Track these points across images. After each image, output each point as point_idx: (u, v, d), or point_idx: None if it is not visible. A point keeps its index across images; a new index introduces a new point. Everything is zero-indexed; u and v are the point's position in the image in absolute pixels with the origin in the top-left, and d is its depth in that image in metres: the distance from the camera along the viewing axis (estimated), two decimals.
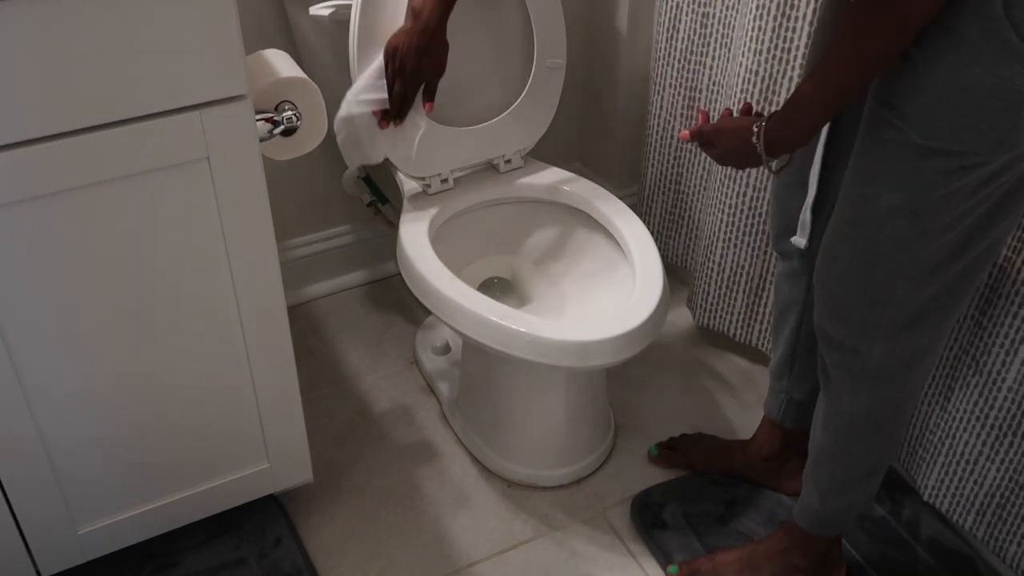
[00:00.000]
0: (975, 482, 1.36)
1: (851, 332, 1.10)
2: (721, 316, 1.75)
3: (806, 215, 1.19)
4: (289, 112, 1.16)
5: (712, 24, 1.59)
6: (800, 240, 1.20)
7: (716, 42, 1.60)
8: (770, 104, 1.47)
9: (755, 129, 1.08)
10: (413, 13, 1.32)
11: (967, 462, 1.36)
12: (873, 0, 0.91)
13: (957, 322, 1.32)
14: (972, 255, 1.02)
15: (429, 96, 1.38)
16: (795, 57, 1.41)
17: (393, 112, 1.38)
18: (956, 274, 1.04)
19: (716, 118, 1.51)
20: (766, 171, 1.52)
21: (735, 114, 1.19)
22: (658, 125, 1.79)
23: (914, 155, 0.96)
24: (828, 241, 1.09)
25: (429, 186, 1.53)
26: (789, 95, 1.06)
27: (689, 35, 1.64)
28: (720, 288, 1.71)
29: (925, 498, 1.45)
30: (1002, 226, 1.01)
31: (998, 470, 1.31)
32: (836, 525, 1.27)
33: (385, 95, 1.36)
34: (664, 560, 1.40)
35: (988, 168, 0.94)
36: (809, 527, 1.28)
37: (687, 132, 1.19)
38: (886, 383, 1.13)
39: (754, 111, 1.17)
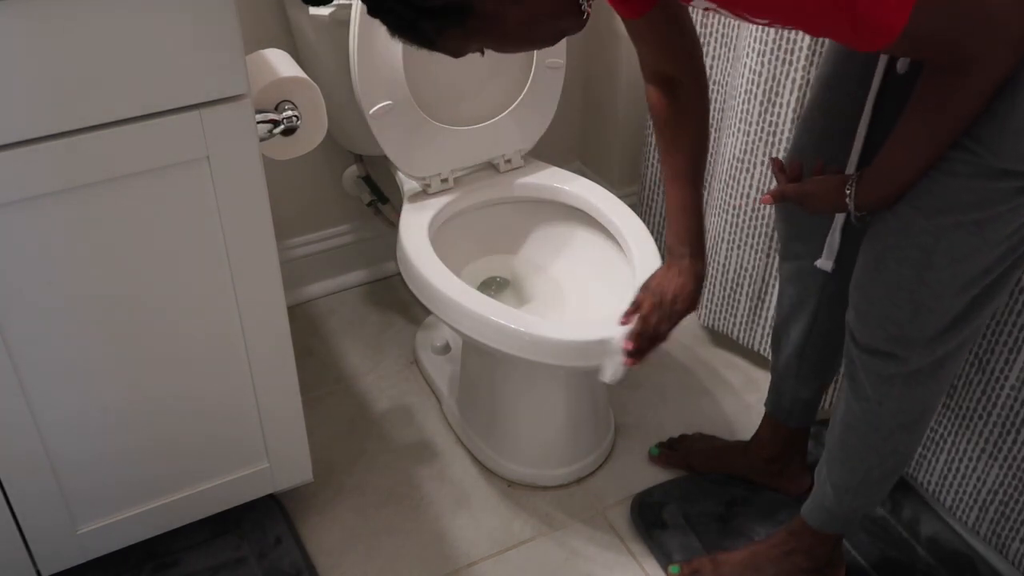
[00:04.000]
0: (978, 479, 1.36)
1: (889, 338, 1.09)
2: (725, 318, 1.75)
3: (835, 236, 1.17)
4: (289, 112, 1.16)
5: (713, 24, 1.59)
6: (827, 263, 1.18)
7: (717, 42, 1.60)
8: (773, 104, 1.47)
9: (847, 192, 1.07)
10: (683, 255, 1.21)
11: (970, 459, 1.36)
12: (951, 71, 0.90)
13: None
14: (1016, 255, 1.02)
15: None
16: (798, 59, 1.40)
17: (646, 350, 1.21)
18: (1000, 274, 1.03)
19: (720, 125, 1.50)
20: (770, 174, 1.52)
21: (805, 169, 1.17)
22: None
23: (986, 175, 0.95)
24: (873, 251, 1.07)
25: (429, 186, 1.54)
26: (879, 159, 1.04)
27: None
28: (724, 290, 1.71)
29: (928, 495, 1.45)
30: None
31: (1000, 468, 1.32)
32: (847, 523, 1.27)
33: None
34: (664, 560, 1.40)
35: None
36: (820, 525, 1.28)
37: (769, 196, 1.16)
38: (918, 384, 1.12)
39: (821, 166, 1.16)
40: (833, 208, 1.11)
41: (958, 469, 1.39)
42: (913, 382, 1.12)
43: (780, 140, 1.49)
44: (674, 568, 1.38)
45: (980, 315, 1.07)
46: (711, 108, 1.66)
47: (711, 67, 1.63)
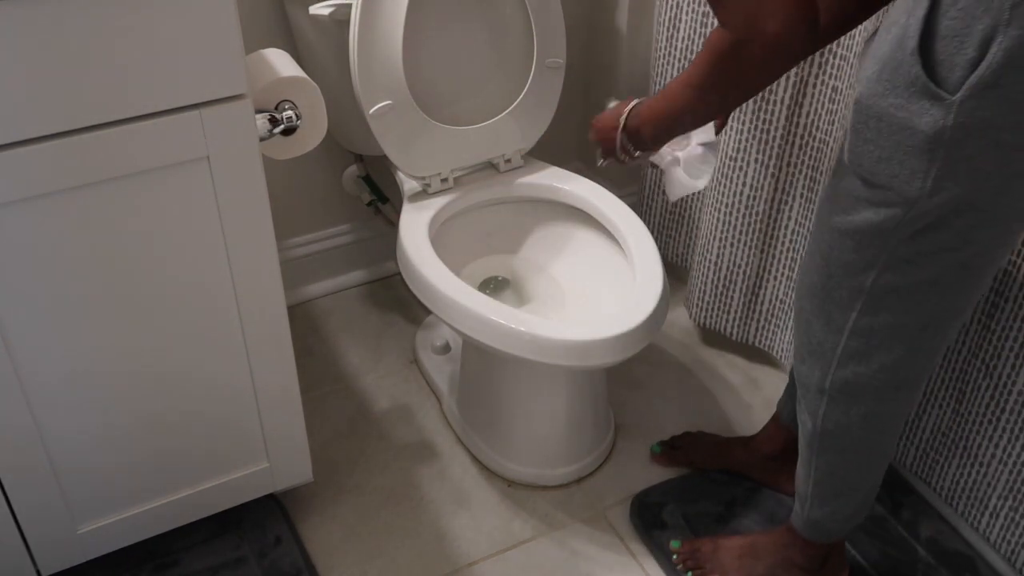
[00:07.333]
0: (988, 484, 1.36)
1: (811, 348, 1.09)
2: (718, 315, 1.75)
3: None
4: (289, 111, 1.16)
5: (712, 24, 1.59)
6: None
7: None
8: (767, 102, 1.47)
9: (625, 111, 1.12)
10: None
11: (980, 464, 1.36)
12: (718, 59, 0.93)
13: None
14: (934, 311, 0.99)
15: None
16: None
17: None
18: (917, 328, 1.01)
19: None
20: (765, 172, 1.52)
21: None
22: None
23: (850, 176, 0.95)
24: (804, 253, 1.09)
25: (429, 185, 1.54)
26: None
27: (689, 35, 1.64)
28: (717, 287, 1.71)
29: (940, 500, 1.45)
30: (963, 291, 0.98)
31: (1010, 473, 1.32)
32: (823, 533, 1.27)
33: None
34: (664, 560, 1.41)
35: (911, 212, 0.90)
36: (799, 528, 1.29)
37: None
38: (835, 407, 1.11)
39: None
40: (610, 127, 1.16)
41: (969, 474, 1.39)
42: (832, 403, 1.10)
43: (774, 138, 1.49)
44: (675, 543, 1.40)
45: (903, 359, 1.04)
46: None
47: None
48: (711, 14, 1.59)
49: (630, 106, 1.14)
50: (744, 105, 1.50)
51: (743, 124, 1.51)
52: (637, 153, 1.16)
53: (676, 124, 1.08)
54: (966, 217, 0.90)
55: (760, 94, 1.47)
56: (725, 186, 1.59)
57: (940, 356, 1.07)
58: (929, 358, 1.06)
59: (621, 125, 1.13)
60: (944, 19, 0.80)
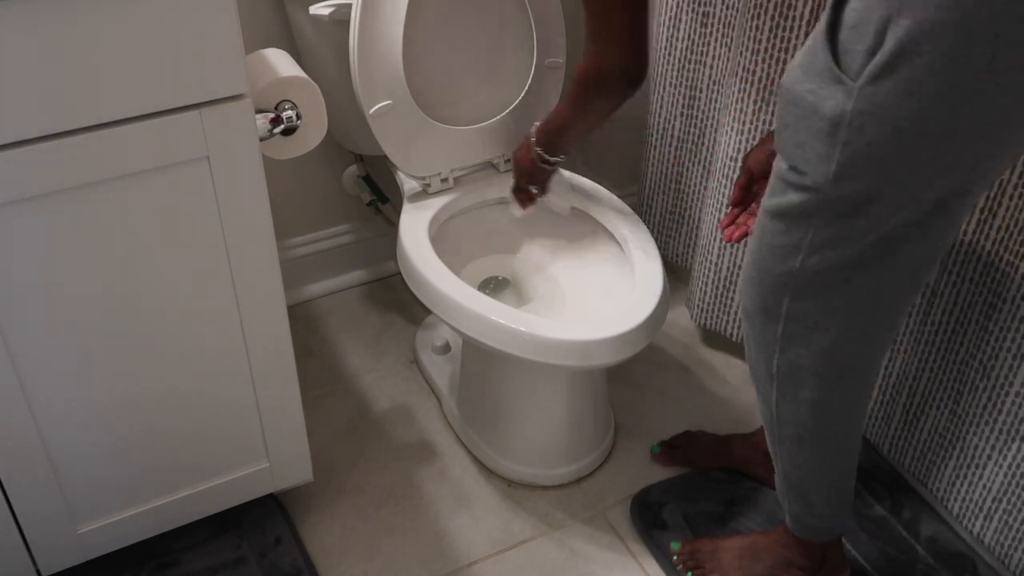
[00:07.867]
0: (983, 487, 1.36)
1: (755, 336, 1.10)
2: (718, 316, 1.75)
3: None
4: (289, 111, 1.16)
5: (712, 24, 1.60)
6: None
7: (716, 42, 1.60)
8: (768, 104, 1.47)
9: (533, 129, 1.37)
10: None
11: (976, 466, 1.36)
12: (578, 85, 1.22)
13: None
14: (860, 293, 1.00)
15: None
16: (792, 57, 1.40)
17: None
18: (850, 310, 1.01)
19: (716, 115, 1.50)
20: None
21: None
22: (658, 125, 1.79)
23: (780, 161, 0.97)
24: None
25: (429, 185, 1.54)
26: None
27: (689, 35, 1.64)
28: (717, 288, 1.71)
29: (936, 501, 1.45)
30: (888, 274, 0.99)
31: (1005, 475, 1.31)
32: (809, 530, 1.27)
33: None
34: (664, 560, 1.41)
35: (825, 197, 0.92)
36: (791, 527, 1.29)
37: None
38: (784, 392, 1.11)
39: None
40: (524, 147, 1.40)
41: (965, 476, 1.38)
42: (780, 387, 1.11)
43: None
44: (675, 544, 1.40)
45: (831, 347, 1.05)
46: (709, 105, 1.67)
47: (711, 67, 1.63)
48: (710, 15, 1.59)
49: (534, 127, 1.38)
50: (744, 106, 1.50)
51: (743, 124, 1.51)
52: (553, 159, 1.38)
53: (571, 129, 1.34)
54: (878, 204, 0.92)
55: (760, 95, 1.47)
56: (725, 187, 1.59)
57: (883, 345, 1.08)
58: (868, 344, 1.06)
59: (532, 138, 1.37)
60: (848, 9, 0.86)
